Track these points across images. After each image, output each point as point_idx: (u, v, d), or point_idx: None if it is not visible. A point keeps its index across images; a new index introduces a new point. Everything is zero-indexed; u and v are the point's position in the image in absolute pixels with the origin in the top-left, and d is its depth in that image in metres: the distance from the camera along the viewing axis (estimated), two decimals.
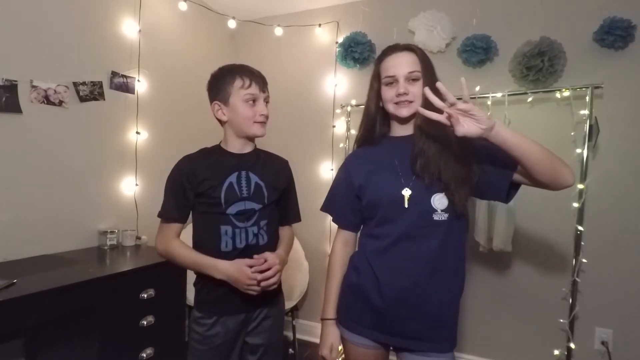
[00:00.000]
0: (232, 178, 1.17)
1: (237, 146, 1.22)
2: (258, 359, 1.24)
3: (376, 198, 1.05)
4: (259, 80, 1.18)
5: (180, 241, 1.18)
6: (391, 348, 1.10)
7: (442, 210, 0.98)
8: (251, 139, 1.23)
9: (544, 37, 1.87)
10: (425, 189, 0.99)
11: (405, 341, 1.02)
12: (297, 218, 1.36)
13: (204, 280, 1.19)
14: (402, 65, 1.03)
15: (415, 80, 1.02)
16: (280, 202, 1.28)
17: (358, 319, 1.08)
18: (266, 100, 1.20)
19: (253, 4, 2.50)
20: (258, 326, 1.23)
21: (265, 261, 1.11)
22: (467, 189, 0.97)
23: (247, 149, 1.24)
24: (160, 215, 1.19)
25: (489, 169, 0.98)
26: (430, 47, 2.15)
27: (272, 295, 1.25)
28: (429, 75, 1.03)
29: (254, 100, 1.17)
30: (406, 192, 1.00)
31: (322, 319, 1.16)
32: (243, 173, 1.19)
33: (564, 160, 0.92)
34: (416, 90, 1.02)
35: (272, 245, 1.22)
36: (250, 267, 1.09)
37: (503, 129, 0.88)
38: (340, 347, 1.16)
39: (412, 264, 1.00)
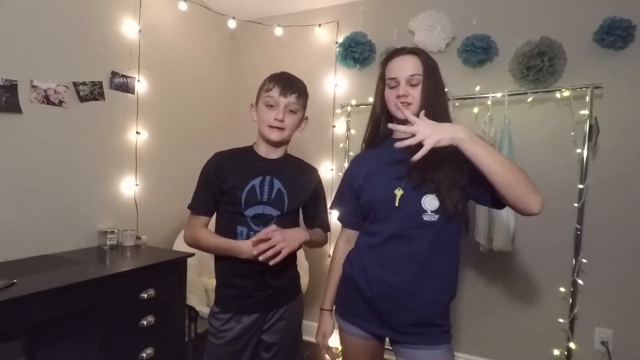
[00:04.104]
0: (256, 181, 1.19)
1: (264, 150, 1.24)
2: (271, 357, 1.26)
3: (371, 198, 1.10)
4: (283, 85, 1.17)
5: (206, 229, 1.22)
6: (388, 342, 1.13)
7: (432, 212, 1.00)
8: (278, 144, 1.24)
9: (544, 37, 1.87)
10: (416, 189, 1.02)
11: (395, 334, 1.05)
12: (325, 228, 1.32)
13: (221, 277, 1.24)
14: (404, 68, 1.05)
15: (416, 84, 1.04)
16: (306, 212, 1.30)
17: (352, 309, 1.13)
18: (290, 108, 1.19)
19: (253, 4, 2.50)
20: (272, 326, 1.24)
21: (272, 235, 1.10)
22: (458, 192, 0.98)
23: (276, 154, 1.25)
24: (189, 206, 1.24)
25: (479, 176, 0.98)
26: (430, 47, 2.15)
27: (288, 297, 1.28)
28: (431, 79, 1.05)
29: (273, 105, 1.17)
30: (398, 192, 1.04)
31: (320, 309, 1.25)
32: (267, 178, 1.21)
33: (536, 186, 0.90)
34: (416, 93, 1.04)
35: (288, 255, 1.20)
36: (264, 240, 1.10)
37: (468, 145, 0.87)
38: (338, 349, 1.17)
39: (401, 262, 1.03)
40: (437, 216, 1.00)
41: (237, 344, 1.20)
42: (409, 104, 1.04)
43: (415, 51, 1.08)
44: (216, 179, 1.19)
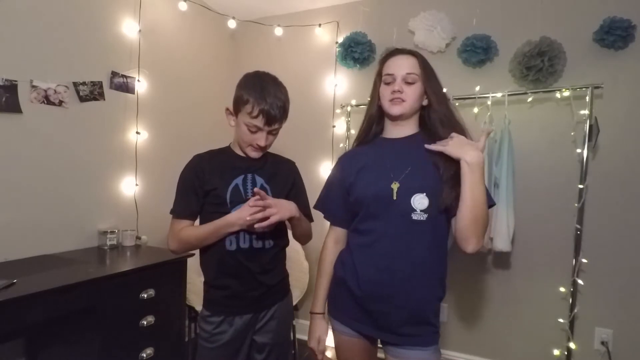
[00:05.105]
0: (238, 180, 1.19)
1: (241, 150, 1.24)
2: (265, 357, 1.25)
3: (362, 194, 1.09)
4: (268, 117, 1.12)
5: (189, 227, 1.20)
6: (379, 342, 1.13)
7: (421, 211, 1.02)
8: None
9: (544, 37, 1.87)
10: (406, 188, 1.03)
11: (387, 335, 1.06)
12: (310, 218, 1.33)
13: (209, 279, 1.22)
14: (402, 66, 1.08)
15: (411, 82, 1.06)
16: None
17: (344, 310, 1.12)
18: (272, 133, 1.18)
19: (253, 4, 2.50)
20: (265, 325, 1.23)
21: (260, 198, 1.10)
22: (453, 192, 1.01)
23: None
24: (171, 212, 1.22)
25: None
26: (430, 47, 2.15)
27: (280, 295, 1.27)
28: (428, 80, 1.07)
29: (255, 131, 1.15)
30: (394, 186, 1.05)
31: (311, 313, 1.20)
32: (249, 176, 1.21)
33: (484, 229, 1.00)
34: (411, 91, 1.06)
35: (278, 250, 1.25)
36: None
37: (466, 169, 0.97)
38: (330, 353, 1.17)
39: (391, 261, 1.03)
40: (425, 215, 1.02)
41: (232, 347, 1.19)
42: (403, 100, 1.06)
43: (414, 53, 1.10)
44: (198, 181, 1.18)
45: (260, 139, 1.16)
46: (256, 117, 1.12)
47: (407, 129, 1.12)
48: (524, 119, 1.98)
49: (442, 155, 1.02)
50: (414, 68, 1.06)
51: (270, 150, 1.31)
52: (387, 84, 1.09)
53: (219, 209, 1.17)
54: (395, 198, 1.03)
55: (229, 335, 1.18)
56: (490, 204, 1.02)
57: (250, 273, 1.18)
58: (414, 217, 1.02)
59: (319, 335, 1.18)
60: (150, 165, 2.14)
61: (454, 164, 1.00)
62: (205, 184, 1.18)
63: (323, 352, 1.19)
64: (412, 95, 1.06)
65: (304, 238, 1.34)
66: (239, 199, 1.18)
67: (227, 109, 1.22)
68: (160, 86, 2.20)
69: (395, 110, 1.08)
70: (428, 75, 1.07)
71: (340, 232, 1.20)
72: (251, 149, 1.19)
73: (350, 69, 2.40)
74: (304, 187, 1.35)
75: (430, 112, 1.09)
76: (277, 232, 1.22)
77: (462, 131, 1.06)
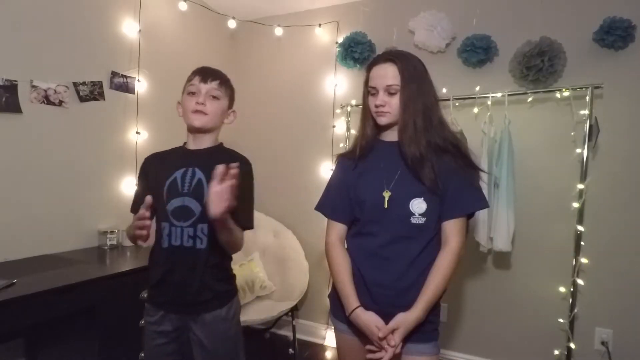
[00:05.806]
0: (179, 173, 1.15)
1: (191, 142, 1.22)
2: (207, 353, 1.17)
3: (361, 199, 1.11)
4: (203, 74, 1.18)
5: None
6: None
7: (419, 215, 1.05)
8: (202, 131, 1.20)
9: (544, 37, 1.87)
10: (404, 193, 1.06)
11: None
12: (247, 224, 1.17)
13: (151, 281, 1.19)
14: (383, 78, 1.08)
15: (394, 93, 1.07)
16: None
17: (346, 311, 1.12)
18: (211, 94, 1.17)
19: (253, 4, 2.50)
20: (204, 327, 1.16)
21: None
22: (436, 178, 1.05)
23: (204, 144, 1.21)
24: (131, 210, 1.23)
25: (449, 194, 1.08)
26: (430, 47, 2.15)
27: (220, 302, 1.18)
28: (411, 86, 1.06)
29: (195, 92, 1.17)
30: (386, 194, 1.07)
31: (351, 313, 1.07)
32: (190, 169, 1.16)
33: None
34: (394, 102, 1.08)
35: (214, 251, 1.14)
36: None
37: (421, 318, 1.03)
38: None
39: (394, 264, 1.05)
40: (424, 219, 1.04)
41: (172, 336, 1.16)
42: (387, 112, 1.09)
43: (394, 59, 1.08)
44: (144, 175, 1.20)
45: (199, 97, 1.16)
46: (192, 78, 1.18)
47: (397, 132, 1.11)
48: (524, 119, 1.98)
49: (420, 165, 1.04)
50: (394, 78, 1.06)
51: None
52: (372, 95, 1.11)
53: (158, 204, 1.11)
54: (386, 207, 1.06)
55: (168, 327, 1.15)
56: (478, 208, 1.10)
57: (180, 273, 1.12)
58: (413, 220, 1.05)
59: (375, 325, 1.03)
60: None
61: (430, 174, 1.04)
62: (148, 181, 1.18)
63: (389, 330, 1.02)
64: (395, 106, 1.07)
65: (230, 247, 1.15)
66: (175, 193, 1.13)
67: (178, 102, 1.25)
68: (160, 86, 2.20)
69: (381, 121, 1.11)
70: (406, 82, 1.05)
71: (342, 229, 1.18)
72: (192, 116, 1.16)
73: (350, 69, 2.40)
74: (250, 192, 1.19)
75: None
76: (211, 232, 1.11)
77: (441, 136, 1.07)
